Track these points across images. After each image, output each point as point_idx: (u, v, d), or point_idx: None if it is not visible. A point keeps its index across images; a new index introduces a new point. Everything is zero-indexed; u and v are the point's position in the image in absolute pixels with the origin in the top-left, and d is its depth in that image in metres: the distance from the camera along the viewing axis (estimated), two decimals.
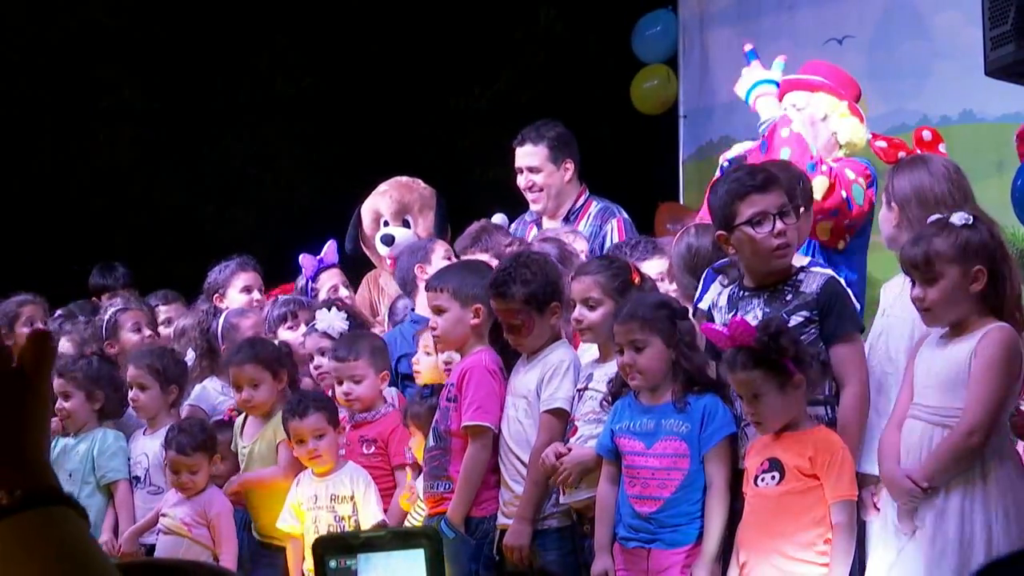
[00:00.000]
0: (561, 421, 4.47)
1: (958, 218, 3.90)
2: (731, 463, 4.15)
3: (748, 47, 5.44)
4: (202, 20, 10.41)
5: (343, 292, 6.07)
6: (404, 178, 6.39)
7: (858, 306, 4.54)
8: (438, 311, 4.68)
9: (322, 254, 6.23)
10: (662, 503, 4.15)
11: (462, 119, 10.55)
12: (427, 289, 4.81)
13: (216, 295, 6.19)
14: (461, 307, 4.67)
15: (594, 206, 5.88)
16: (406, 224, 6.25)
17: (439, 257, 5.60)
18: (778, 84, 5.24)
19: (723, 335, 3.94)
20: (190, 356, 5.81)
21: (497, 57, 10.51)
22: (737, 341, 3.90)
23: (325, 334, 5.38)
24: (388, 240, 6.17)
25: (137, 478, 5.42)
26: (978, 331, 3.83)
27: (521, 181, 5.92)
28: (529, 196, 5.92)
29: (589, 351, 4.57)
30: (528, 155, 5.89)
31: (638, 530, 4.17)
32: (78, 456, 5.41)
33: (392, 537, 2.00)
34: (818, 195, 4.69)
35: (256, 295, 6.21)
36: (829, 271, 4.31)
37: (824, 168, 4.79)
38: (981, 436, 3.76)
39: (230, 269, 6.26)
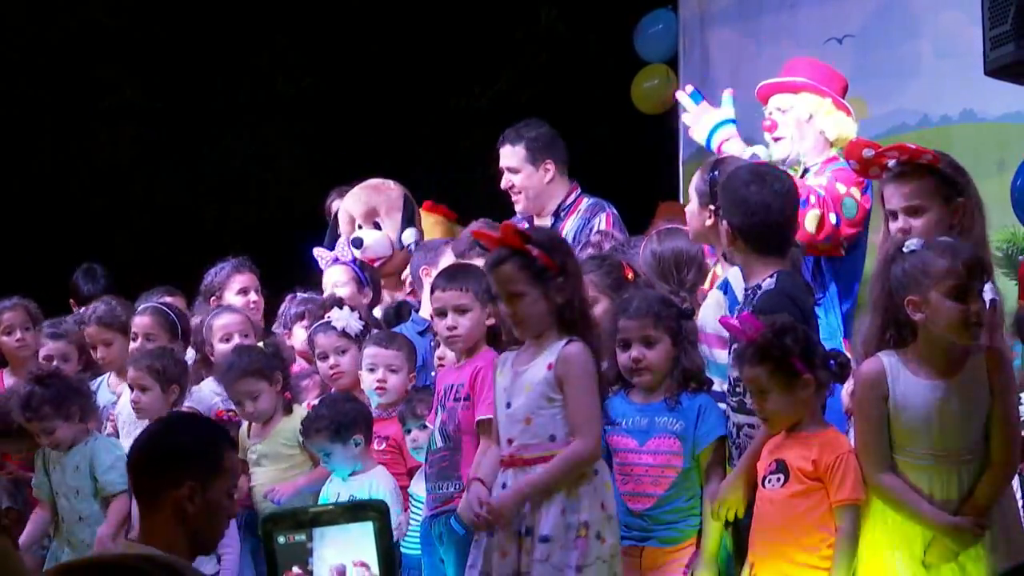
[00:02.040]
0: None
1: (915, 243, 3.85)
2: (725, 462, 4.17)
3: (689, 88, 5.43)
4: (202, 20, 10.41)
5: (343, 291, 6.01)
6: (375, 180, 6.37)
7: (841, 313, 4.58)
8: (461, 311, 4.65)
9: (360, 256, 6.16)
10: (655, 500, 4.16)
11: (462, 119, 10.54)
12: (445, 288, 4.74)
13: (213, 297, 6.18)
14: (481, 308, 4.66)
15: (585, 202, 5.88)
16: (376, 226, 6.24)
17: (447, 261, 5.57)
18: (736, 122, 5.21)
19: (738, 328, 3.94)
20: (190, 355, 5.80)
21: (498, 57, 10.51)
22: (745, 336, 3.89)
23: (343, 333, 5.36)
24: (357, 243, 6.14)
25: None
26: (974, 362, 3.74)
27: (503, 182, 5.93)
28: (512, 197, 5.91)
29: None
30: (506, 156, 5.90)
31: (631, 528, 4.17)
32: (79, 473, 5.38)
33: (341, 511, 2.01)
34: (811, 229, 4.69)
35: (253, 296, 6.20)
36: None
37: (813, 199, 4.76)
38: (1018, 462, 3.82)
39: (226, 271, 6.24)
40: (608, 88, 9.36)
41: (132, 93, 10.80)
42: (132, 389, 5.44)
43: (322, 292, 6.13)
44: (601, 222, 5.71)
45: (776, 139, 5.26)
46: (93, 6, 10.39)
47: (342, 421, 4.93)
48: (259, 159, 10.79)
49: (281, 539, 1.99)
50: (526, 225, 5.89)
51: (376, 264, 6.17)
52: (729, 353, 4.20)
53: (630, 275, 4.53)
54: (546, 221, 5.84)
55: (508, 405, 4.08)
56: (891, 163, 4.12)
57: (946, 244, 3.77)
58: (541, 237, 4.14)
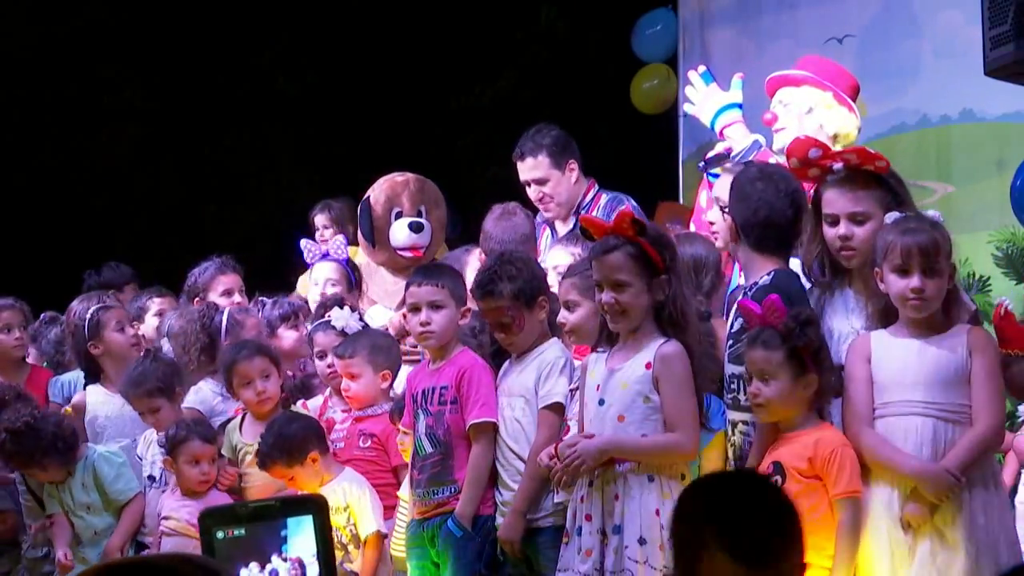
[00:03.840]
0: (559, 416, 4.46)
1: (934, 214, 3.94)
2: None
3: (702, 68, 5.42)
4: (204, 19, 10.41)
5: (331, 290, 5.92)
6: (412, 175, 6.32)
7: None
8: (435, 307, 4.66)
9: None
10: None
11: (463, 118, 10.55)
12: (421, 284, 4.73)
13: (196, 298, 6.13)
14: (456, 306, 4.67)
15: (604, 198, 5.87)
16: (419, 215, 6.17)
17: (473, 269, 5.54)
18: (741, 107, 5.20)
19: (756, 313, 3.95)
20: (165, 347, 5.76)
21: (498, 56, 10.51)
22: (766, 320, 3.91)
23: (342, 332, 5.35)
24: (418, 227, 6.07)
25: (152, 478, 5.39)
26: (957, 329, 3.84)
27: (532, 193, 5.88)
28: (540, 206, 5.90)
29: None
30: (531, 168, 5.85)
31: None
32: (86, 489, 5.38)
33: (280, 506, 2.02)
34: None
35: (237, 297, 6.14)
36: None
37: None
38: (1003, 433, 3.91)
39: (210, 272, 6.17)
40: (608, 88, 9.37)
41: (133, 92, 10.81)
42: (143, 414, 5.42)
43: (293, 293, 6.12)
44: None
45: (777, 131, 5.28)
46: (95, 5, 10.39)
47: (292, 445, 4.86)
48: (260, 158, 10.80)
49: (220, 534, 2.01)
50: (547, 230, 5.92)
51: (416, 253, 6.11)
52: (725, 347, 4.22)
53: None
54: (568, 223, 5.82)
55: (601, 403, 4.06)
56: (836, 166, 4.07)
57: (909, 221, 3.87)
58: (652, 232, 4.16)
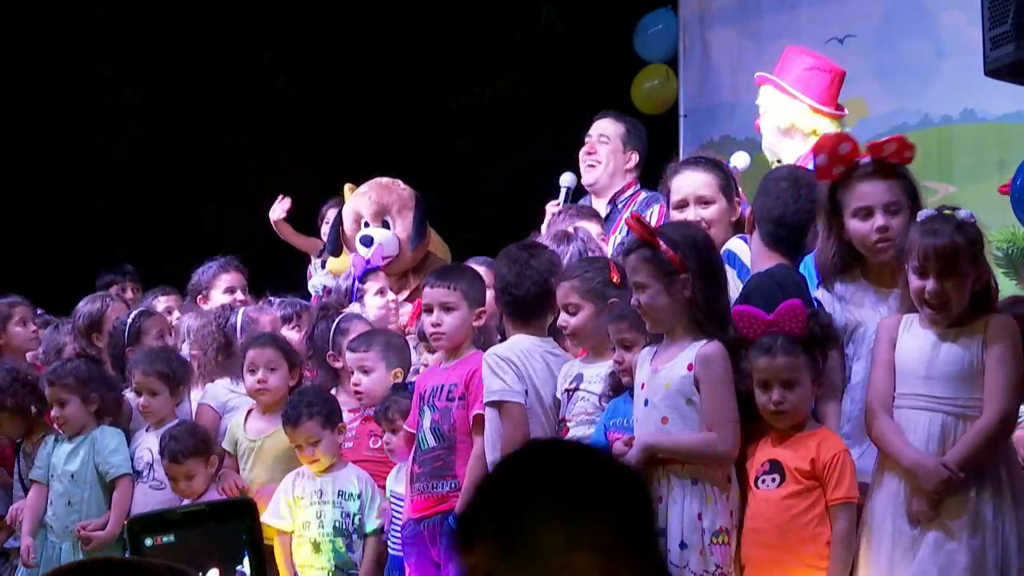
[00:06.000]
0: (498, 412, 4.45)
1: (964, 214, 3.89)
2: None
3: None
4: (204, 19, 10.40)
5: (390, 295, 5.91)
6: (384, 179, 6.25)
7: None
8: (447, 308, 4.66)
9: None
10: None
11: (463, 118, 10.54)
12: (434, 285, 4.73)
13: (200, 296, 6.14)
14: (469, 308, 4.66)
15: (643, 195, 5.96)
16: (386, 225, 6.09)
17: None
18: None
19: (763, 319, 3.89)
20: (184, 351, 5.76)
21: (498, 56, 10.50)
22: (785, 327, 3.86)
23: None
24: (367, 241, 5.99)
25: (139, 472, 5.38)
26: (978, 321, 3.79)
27: (586, 147, 6.07)
28: (585, 162, 6.03)
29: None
30: (605, 126, 6.10)
31: None
32: (78, 458, 5.35)
33: (210, 511, 2.00)
34: None
35: (239, 295, 6.15)
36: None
37: None
38: (1012, 422, 3.81)
39: (213, 270, 6.21)
40: (608, 88, 9.34)
41: (133, 92, 10.80)
42: (141, 392, 5.40)
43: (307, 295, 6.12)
44: (653, 214, 5.69)
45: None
46: (95, 5, 10.38)
47: (331, 408, 4.95)
48: (260, 158, 10.79)
49: (148, 541, 1.98)
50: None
51: (384, 263, 6.06)
52: None
53: (615, 278, 4.47)
54: (602, 205, 5.96)
55: (646, 403, 3.99)
56: (864, 160, 4.05)
57: (935, 221, 3.82)
58: (671, 232, 4.09)
